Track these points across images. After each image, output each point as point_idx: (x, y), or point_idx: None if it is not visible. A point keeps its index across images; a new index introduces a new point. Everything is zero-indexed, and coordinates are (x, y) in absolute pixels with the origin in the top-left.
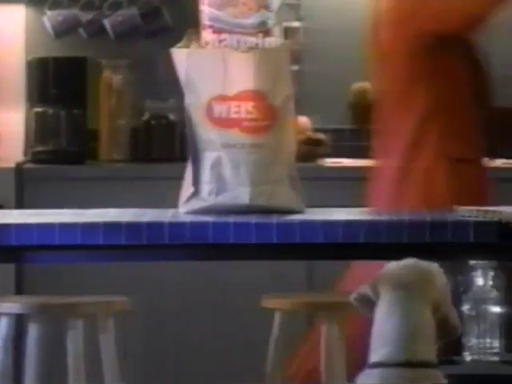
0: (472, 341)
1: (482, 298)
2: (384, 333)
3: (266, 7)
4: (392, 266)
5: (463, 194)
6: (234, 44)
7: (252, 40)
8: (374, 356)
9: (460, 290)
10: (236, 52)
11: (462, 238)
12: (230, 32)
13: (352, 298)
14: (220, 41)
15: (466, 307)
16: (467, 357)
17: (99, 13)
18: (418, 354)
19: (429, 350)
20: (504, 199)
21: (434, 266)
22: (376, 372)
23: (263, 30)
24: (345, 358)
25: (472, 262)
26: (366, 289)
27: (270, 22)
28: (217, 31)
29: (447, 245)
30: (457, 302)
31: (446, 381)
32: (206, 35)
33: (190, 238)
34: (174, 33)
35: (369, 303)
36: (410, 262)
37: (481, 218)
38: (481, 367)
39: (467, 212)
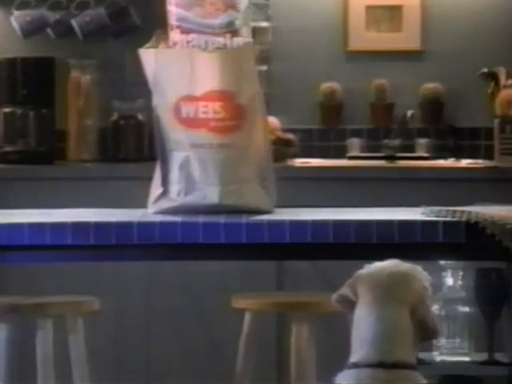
0: (441, 341)
1: (451, 299)
2: (361, 334)
3: (234, 7)
4: (372, 266)
5: None
6: (202, 44)
7: (220, 40)
8: (352, 357)
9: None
10: (203, 52)
11: (430, 238)
12: (198, 32)
13: (333, 298)
14: (188, 41)
15: (435, 307)
16: (437, 357)
17: (67, 13)
18: (392, 356)
19: (405, 352)
20: (470, 199)
21: (415, 269)
22: (351, 372)
23: (231, 30)
24: (315, 357)
25: (441, 263)
26: (346, 290)
27: (238, 23)
28: (185, 31)
29: (416, 245)
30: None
31: (425, 381)
32: (174, 35)
33: (158, 238)
34: (142, 33)
35: (349, 304)
36: (389, 263)
37: (449, 219)
38: (450, 367)
39: (435, 212)
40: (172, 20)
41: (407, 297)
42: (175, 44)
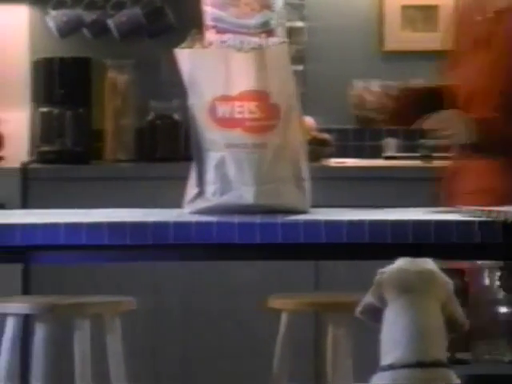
0: (479, 341)
1: (488, 299)
2: (394, 336)
3: (269, 7)
4: (390, 270)
5: None
6: (237, 44)
7: (255, 40)
8: (386, 359)
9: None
10: (238, 52)
11: (467, 238)
12: (233, 32)
13: (358, 312)
14: (223, 41)
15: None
16: (474, 356)
17: (103, 13)
18: (429, 354)
19: (439, 350)
20: None
21: (429, 262)
22: (388, 374)
23: (266, 30)
24: (352, 357)
25: (479, 263)
26: (370, 298)
27: (273, 23)
28: (220, 31)
29: (452, 245)
30: (464, 302)
31: (458, 380)
32: (210, 35)
33: (194, 238)
34: (178, 32)
35: (376, 312)
36: (406, 262)
37: (486, 218)
38: (489, 367)
39: (472, 212)
40: (207, 20)
41: (437, 292)
42: (210, 44)
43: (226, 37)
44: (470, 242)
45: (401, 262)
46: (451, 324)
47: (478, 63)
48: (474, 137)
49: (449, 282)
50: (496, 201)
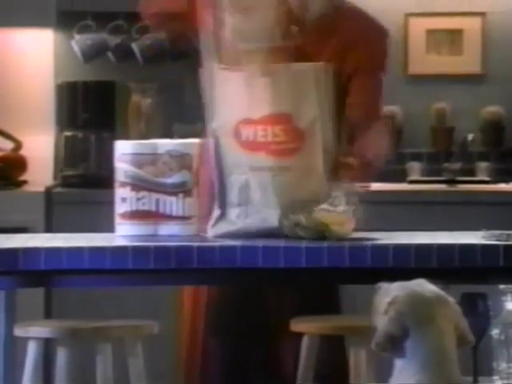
0: (502, 365)
1: (511, 323)
2: (417, 362)
3: (188, 167)
4: (406, 297)
5: None
6: (153, 203)
7: (171, 199)
8: None
9: (490, 314)
10: (262, 76)
11: (491, 262)
12: (148, 190)
13: (375, 344)
14: (138, 198)
15: (495, 332)
16: (497, 381)
17: (127, 37)
18: (453, 379)
19: (459, 373)
20: None
21: (431, 285)
22: None
23: (183, 190)
24: (374, 381)
25: (501, 287)
26: (390, 328)
27: (191, 183)
28: (135, 189)
29: (477, 269)
30: (486, 326)
31: None
32: (124, 192)
33: (218, 262)
34: (201, 56)
35: (395, 341)
36: (416, 286)
37: (510, 243)
38: None
39: (496, 236)
40: (120, 177)
41: (451, 314)
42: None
43: (140, 194)
44: (494, 266)
45: (408, 288)
46: (461, 341)
47: None
48: None
49: (454, 301)
50: None
